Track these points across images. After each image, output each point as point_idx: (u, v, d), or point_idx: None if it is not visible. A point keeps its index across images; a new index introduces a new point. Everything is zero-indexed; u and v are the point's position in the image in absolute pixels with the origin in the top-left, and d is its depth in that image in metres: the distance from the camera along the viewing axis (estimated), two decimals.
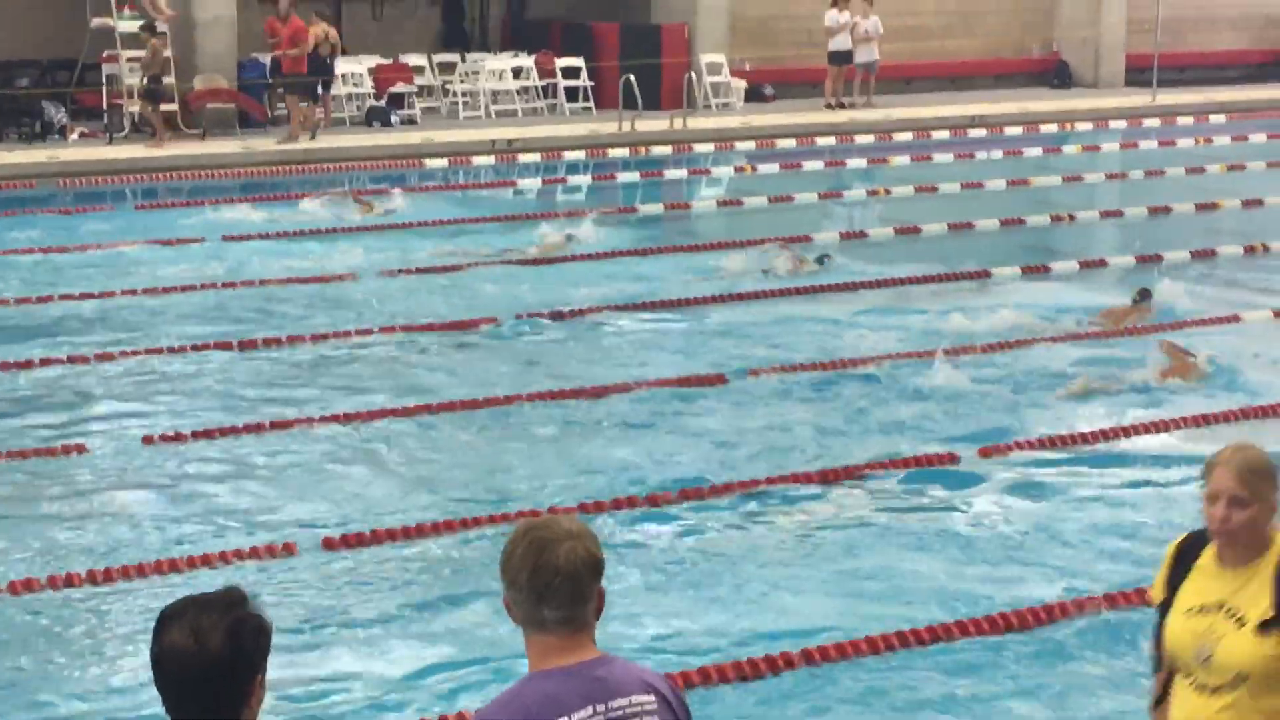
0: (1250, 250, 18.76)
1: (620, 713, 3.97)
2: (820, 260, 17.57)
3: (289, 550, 9.67)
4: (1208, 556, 5.25)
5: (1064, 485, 10.97)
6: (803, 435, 11.92)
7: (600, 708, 3.96)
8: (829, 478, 10.91)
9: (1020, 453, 11.52)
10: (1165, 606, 5.30)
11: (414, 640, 8.67)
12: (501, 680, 7.30)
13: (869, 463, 11.19)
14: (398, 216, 20.33)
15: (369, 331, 14.72)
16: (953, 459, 11.31)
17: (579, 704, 3.94)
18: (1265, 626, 5.09)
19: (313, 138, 25.10)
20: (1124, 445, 11.78)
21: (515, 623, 4.03)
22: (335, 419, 12.08)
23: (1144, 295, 15.68)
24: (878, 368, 13.50)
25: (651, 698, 4.02)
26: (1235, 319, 15.54)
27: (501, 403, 12.54)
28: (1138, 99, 31.58)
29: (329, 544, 9.76)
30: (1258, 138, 28.10)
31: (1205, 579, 5.23)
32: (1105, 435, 11.85)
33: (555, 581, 3.91)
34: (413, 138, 26.24)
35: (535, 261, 17.87)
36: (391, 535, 9.90)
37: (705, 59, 29.79)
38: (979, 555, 9.78)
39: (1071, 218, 20.89)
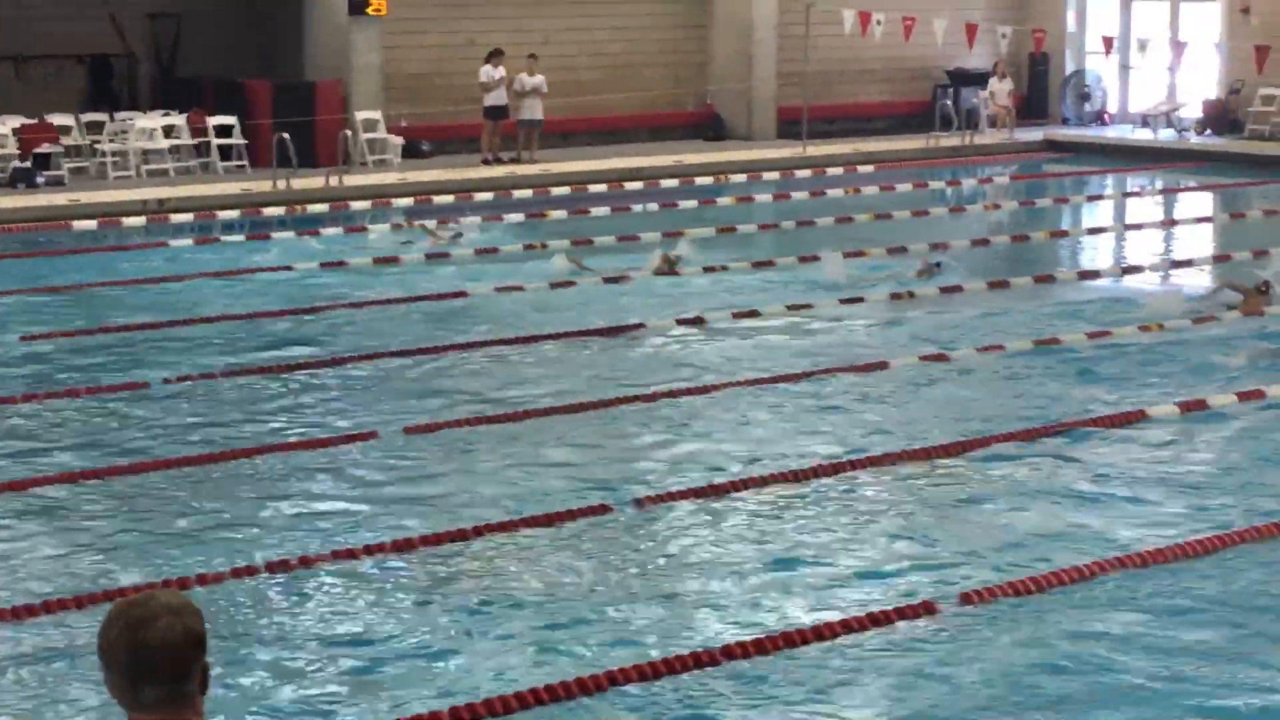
0: (895, 298, 19.21)
1: None
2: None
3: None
4: None
5: None
6: None
7: None
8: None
9: None
10: None
11: None
12: None
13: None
14: None
15: None
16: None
17: None
18: None
19: None
20: None
21: (119, 705, 3.89)
22: None
23: (1267, 286, 17.99)
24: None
25: None
26: (884, 365, 15.88)
27: None
28: (789, 150, 32.25)
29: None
30: (904, 187, 28.89)
31: None
32: None
33: (153, 660, 3.78)
34: (59, 199, 25.59)
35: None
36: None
37: (361, 115, 29.63)
38: None
39: (725, 268, 21.17)
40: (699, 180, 29.43)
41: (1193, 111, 35.32)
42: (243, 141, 28.97)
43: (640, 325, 17.67)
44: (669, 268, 20.80)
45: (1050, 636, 9.46)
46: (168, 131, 28.67)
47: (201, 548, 10.88)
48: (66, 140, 28.31)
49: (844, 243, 22.76)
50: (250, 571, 10.35)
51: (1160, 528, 11.35)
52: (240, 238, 23.72)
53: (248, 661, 9.13)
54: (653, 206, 26.58)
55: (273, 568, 10.41)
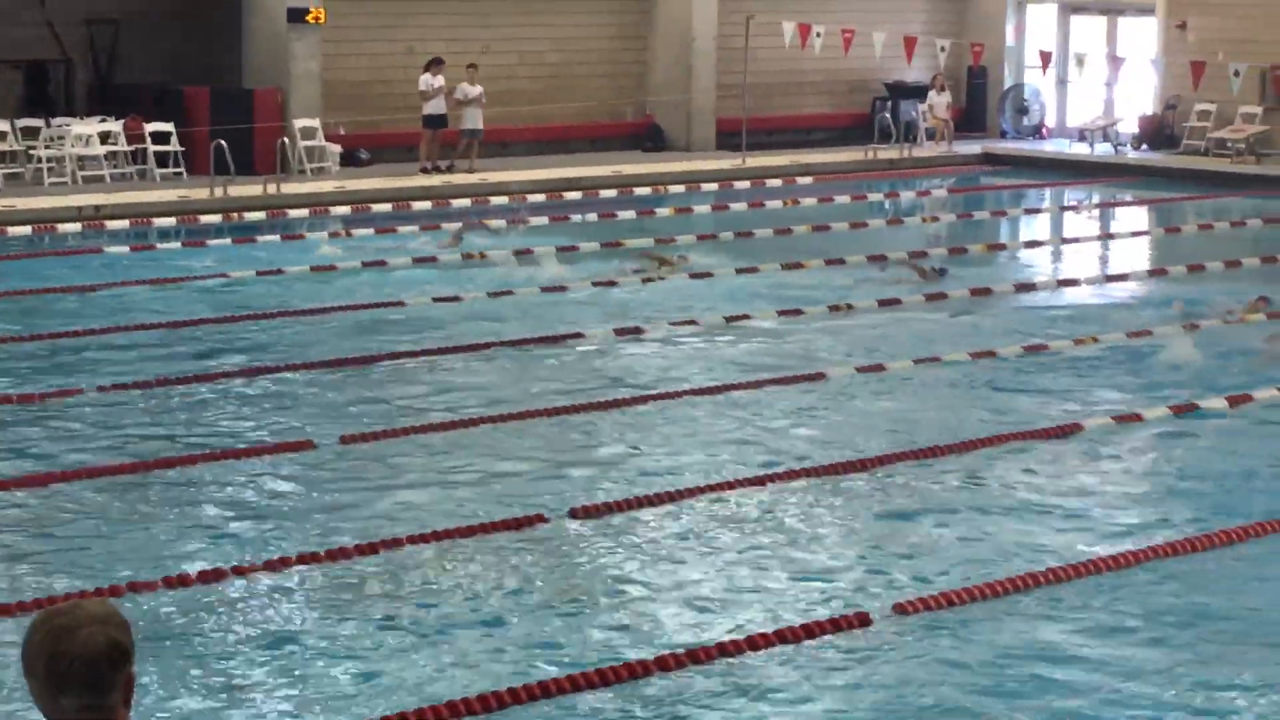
0: (835, 309, 19.24)
1: None
2: None
3: None
4: None
5: None
6: None
7: None
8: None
9: None
10: None
11: None
12: None
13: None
14: None
15: None
16: None
17: None
18: None
19: None
20: None
21: (42, 714, 3.84)
22: None
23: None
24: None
25: None
26: (821, 376, 15.91)
27: None
28: (728, 162, 32.28)
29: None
30: (842, 199, 28.96)
31: None
32: None
33: (74, 669, 3.73)
34: None
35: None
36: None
37: (299, 123, 29.52)
38: None
39: (662, 278, 21.17)
40: (638, 191, 29.43)
41: (1129, 126, 35.52)
42: (180, 148, 28.80)
43: (578, 335, 17.66)
44: (660, 272, 21.37)
45: (983, 647, 9.49)
46: (104, 138, 28.48)
47: (133, 557, 10.81)
48: (2, 146, 28.09)
49: (783, 254, 22.83)
50: (182, 581, 10.28)
51: (1093, 539, 11.41)
52: (177, 245, 23.58)
53: (178, 673, 9.07)
54: (591, 217, 26.56)
55: (205, 577, 10.35)
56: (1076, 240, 26.53)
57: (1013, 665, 9.26)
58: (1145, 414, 14.61)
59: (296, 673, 9.16)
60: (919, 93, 35.79)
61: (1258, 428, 14.56)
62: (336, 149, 30.15)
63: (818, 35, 32.23)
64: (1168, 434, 14.26)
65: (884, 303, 19.64)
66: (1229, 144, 33.46)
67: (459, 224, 25.04)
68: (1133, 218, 29.62)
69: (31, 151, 28.23)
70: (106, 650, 3.76)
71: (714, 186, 30.38)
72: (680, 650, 9.25)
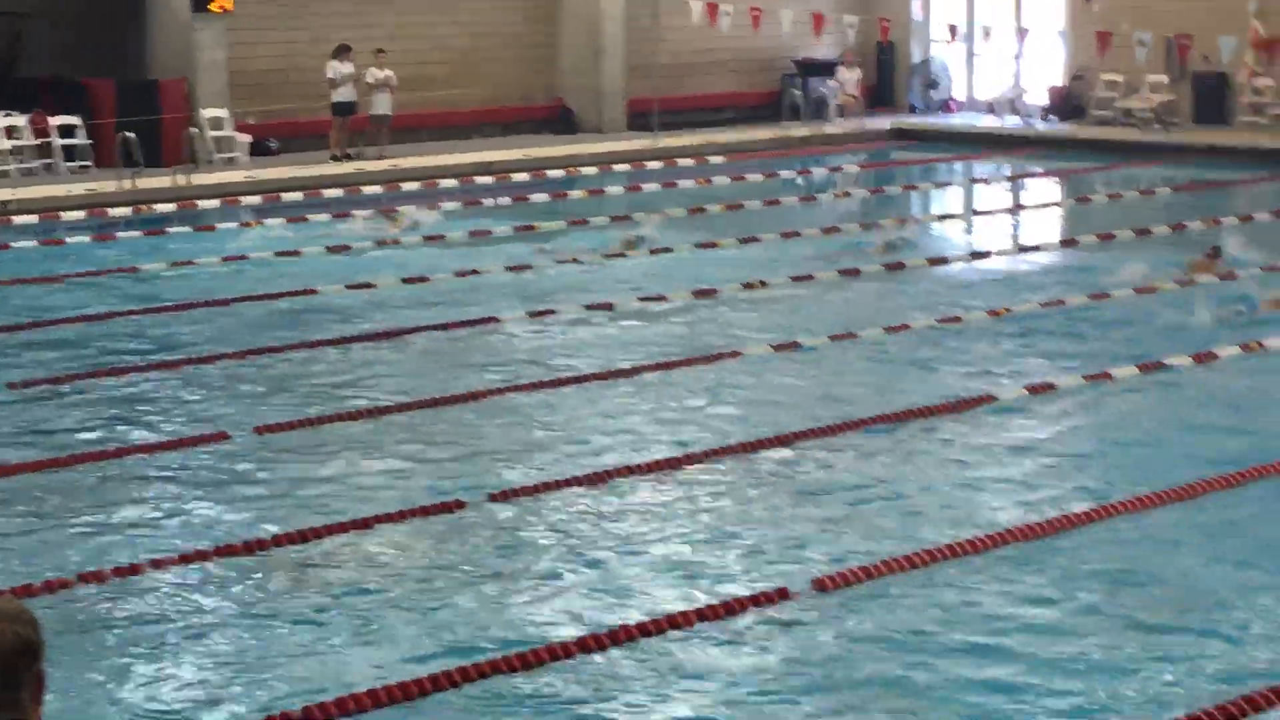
0: (749, 286, 19.27)
1: None
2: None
3: None
4: None
5: None
6: None
7: None
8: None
9: None
10: None
11: None
12: None
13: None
14: None
15: None
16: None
17: None
18: None
19: None
20: None
21: None
22: None
23: (1216, 251, 19.78)
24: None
25: None
26: (737, 354, 15.93)
27: None
28: (640, 143, 32.27)
29: None
30: (754, 177, 29.00)
31: None
32: None
33: None
34: None
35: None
36: None
37: (207, 114, 29.31)
38: None
39: (576, 260, 21.13)
40: (550, 173, 29.38)
41: (1037, 98, 35.73)
42: (87, 142, 28.56)
43: (493, 319, 17.62)
44: (630, 249, 21.69)
45: (904, 619, 9.52)
46: (10, 132, 28.20)
47: (47, 553, 10.71)
48: None
49: (696, 233, 22.84)
50: (98, 577, 10.19)
51: (1012, 508, 11.47)
52: (86, 239, 23.38)
53: (92, 668, 8.99)
54: (504, 200, 26.49)
55: (121, 572, 10.27)
56: (988, 213, 26.68)
57: (934, 636, 9.29)
58: (1058, 383, 14.70)
59: (215, 666, 9.09)
60: (828, 69, 35.88)
61: (1169, 393, 14.68)
62: (246, 139, 29.94)
63: (726, 13, 32.26)
64: (1081, 402, 14.36)
65: (797, 279, 19.69)
66: (1136, 114, 33.70)
67: (407, 206, 24.96)
68: (1042, 189, 29.80)
69: None
70: (15, 647, 3.71)
71: (626, 167, 30.36)
72: (602, 631, 9.25)
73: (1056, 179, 30.13)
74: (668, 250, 21.65)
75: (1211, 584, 10.09)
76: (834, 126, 34.62)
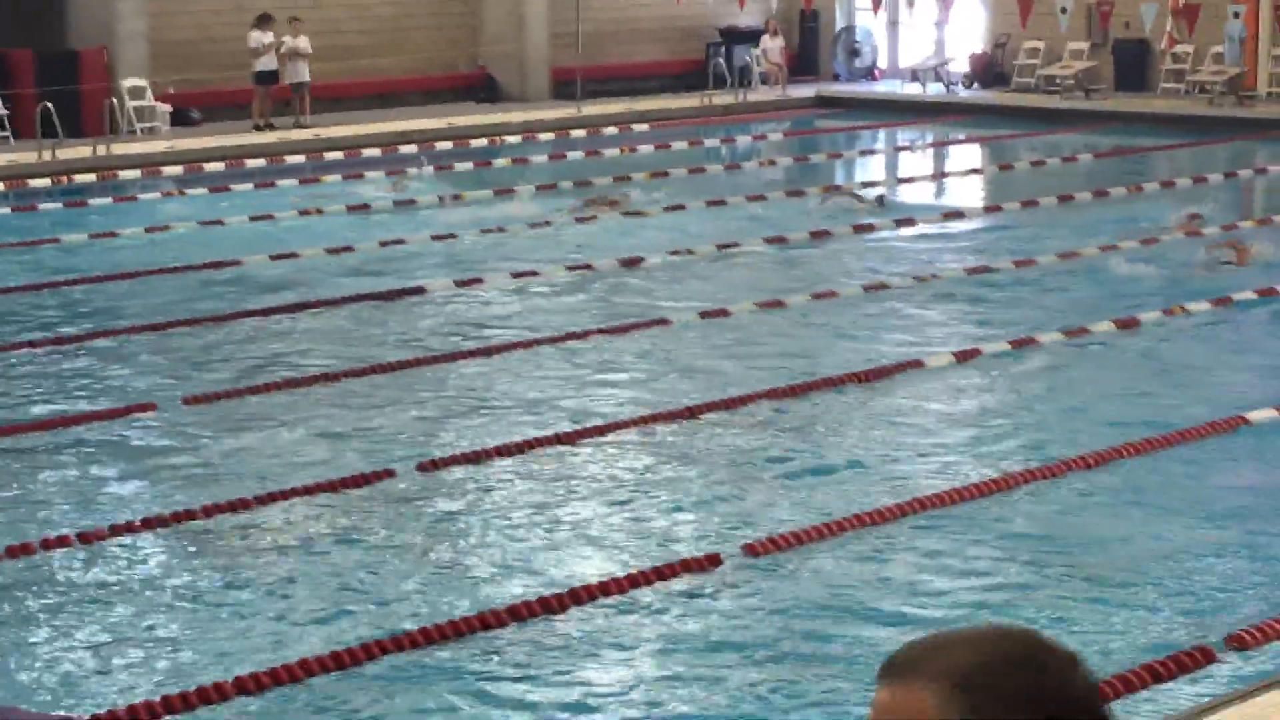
0: (674, 254, 19.29)
1: None
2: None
3: None
4: None
5: None
6: None
7: None
8: None
9: None
10: None
11: None
12: None
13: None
14: None
15: None
16: None
17: None
18: None
19: None
20: None
21: None
22: None
23: (1194, 217, 20.13)
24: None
25: None
26: (664, 322, 15.94)
27: None
28: (564, 111, 32.18)
29: None
30: (679, 145, 28.98)
31: None
32: None
33: None
34: None
35: None
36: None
37: (127, 84, 29.04)
38: None
39: (502, 229, 21.09)
40: (474, 142, 29.27)
41: (960, 66, 35.85)
42: (5, 112, 28.26)
43: (420, 289, 17.57)
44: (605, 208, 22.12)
45: (835, 585, 9.56)
46: None
47: None
48: None
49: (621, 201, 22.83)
50: (25, 550, 10.12)
51: (942, 473, 11.53)
52: (6, 210, 23.14)
53: (24, 643, 8.93)
54: (428, 170, 26.38)
55: (49, 545, 10.19)
56: (912, 180, 26.76)
57: (864, 601, 9.34)
58: (984, 349, 14.78)
59: (144, 638, 9.05)
60: (752, 37, 35.89)
61: (1095, 357, 14.79)
62: (167, 109, 29.69)
63: None
64: (1007, 368, 14.44)
65: (723, 246, 19.71)
66: (1058, 80, 33.86)
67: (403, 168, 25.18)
68: (966, 156, 29.92)
69: None
70: None
71: (550, 136, 30.28)
72: (533, 599, 9.24)
73: (980, 146, 30.25)
74: (591, 219, 21.61)
75: (1141, 545, 10.18)
76: (758, 94, 34.62)
